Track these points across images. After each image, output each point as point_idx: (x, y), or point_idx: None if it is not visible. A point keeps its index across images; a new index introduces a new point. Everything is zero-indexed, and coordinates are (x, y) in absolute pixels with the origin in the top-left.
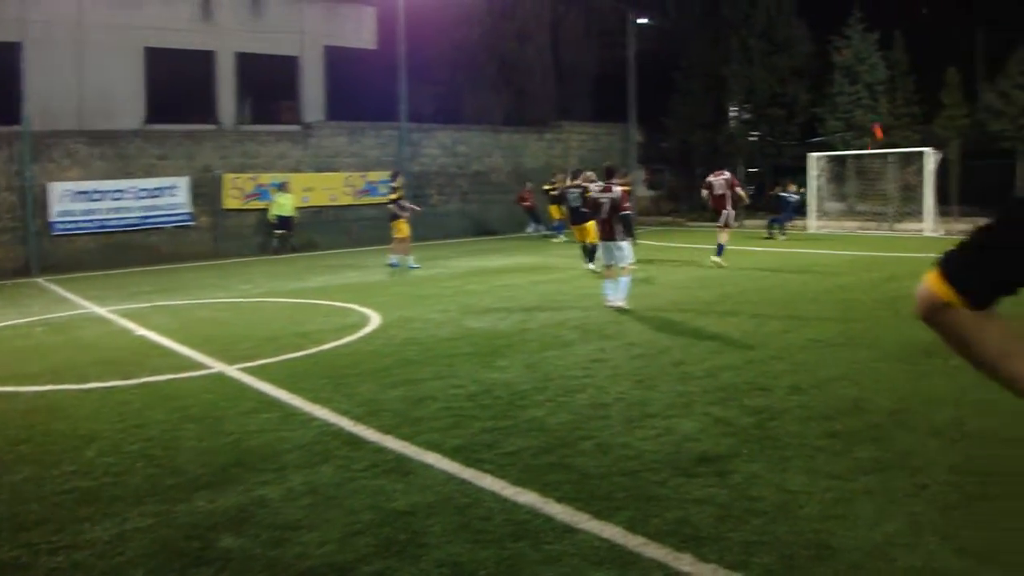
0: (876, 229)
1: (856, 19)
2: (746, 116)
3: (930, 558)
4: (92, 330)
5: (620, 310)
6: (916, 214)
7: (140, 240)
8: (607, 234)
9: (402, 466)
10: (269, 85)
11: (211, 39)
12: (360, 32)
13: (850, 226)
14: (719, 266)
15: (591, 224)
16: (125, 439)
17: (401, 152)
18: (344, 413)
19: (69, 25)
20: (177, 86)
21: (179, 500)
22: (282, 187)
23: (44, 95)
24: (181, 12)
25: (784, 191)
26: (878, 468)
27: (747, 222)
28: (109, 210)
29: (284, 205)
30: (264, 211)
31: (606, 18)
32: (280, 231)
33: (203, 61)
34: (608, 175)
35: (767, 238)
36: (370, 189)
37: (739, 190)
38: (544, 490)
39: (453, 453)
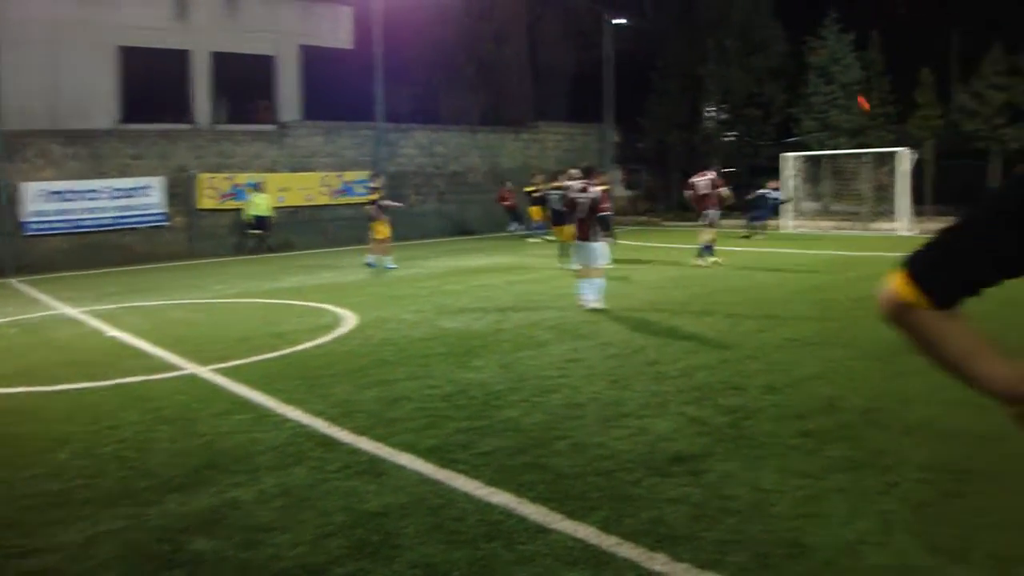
0: (851, 229)
1: (832, 20)
2: (723, 116)
3: (901, 556)
4: (65, 331)
5: (595, 310)
6: (891, 214)
7: (114, 240)
8: (582, 234)
9: (376, 467)
10: (245, 85)
11: (186, 38)
12: (336, 32)
13: (825, 226)
14: (717, 264)
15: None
16: (97, 441)
17: (378, 152)
18: (318, 414)
19: (43, 24)
20: (152, 85)
21: (151, 502)
22: (258, 187)
23: (17, 94)
24: (156, 11)
25: (767, 189)
26: (851, 466)
27: (723, 221)
28: (83, 210)
29: (260, 205)
30: (240, 211)
31: (583, 19)
32: (256, 231)
33: (178, 60)
34: (587, 175)
35: (744, 237)
36: (346, 189)
37: (723, 190)
38: (518, 490)
39: (427, 454)
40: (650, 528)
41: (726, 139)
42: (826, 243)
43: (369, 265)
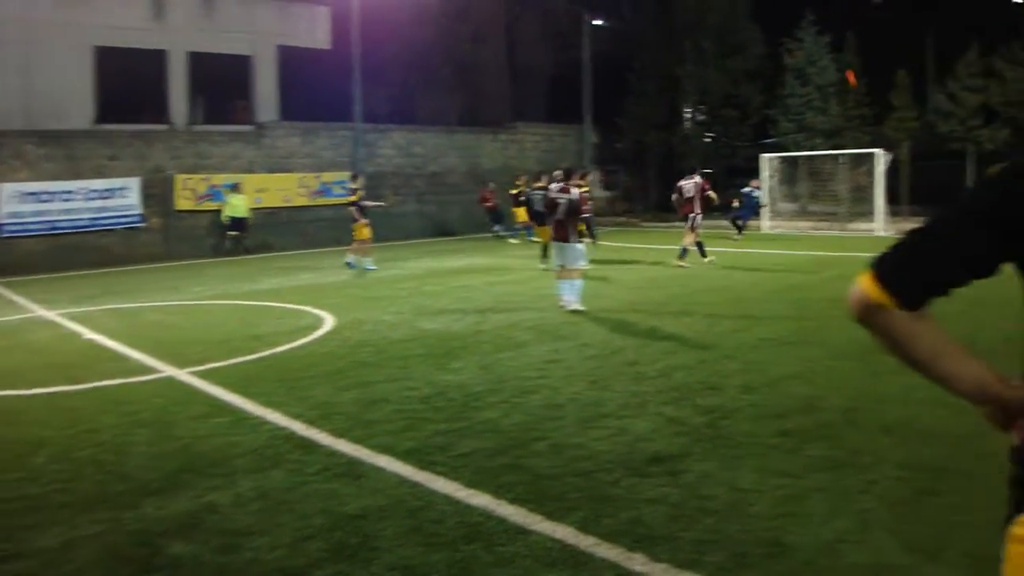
0: (828, 229)
1: (808, 22)
2: (700, 117)
3: (879, 554)
4: (41, 334)
5: (575, 311)
6: (867, 214)
7: (91, 242)
8: (561, 235)
9: (354, 469)
10: (222, 85)
11: (163, 38)
12: (314, 32)
13: (803, 226)
14: (712, 264)
15: None
16: (75, 445)
17: (356, 153)
18: (296, 417)
19: (17, 23)
20: (128, 86)
21: (129, 506)
22: (235, 188)
23: None
24: (133, 11)
25: (750, 188)
26: (829, 466)
27: (704, 222)
28: (59, 211)
29: (237, 206)
30: (217, 212)
31: (561, 20)
32: (233, 232)
33: (154, 60)
34: (566, 176)
35: (738, 237)
36: (324, 190)
37: (710, 193)
38: (497, 492)
39: (406, 456)
40: (629, 528)
41: (704, 140)
42: (803, 243)
43: (349, 266)
